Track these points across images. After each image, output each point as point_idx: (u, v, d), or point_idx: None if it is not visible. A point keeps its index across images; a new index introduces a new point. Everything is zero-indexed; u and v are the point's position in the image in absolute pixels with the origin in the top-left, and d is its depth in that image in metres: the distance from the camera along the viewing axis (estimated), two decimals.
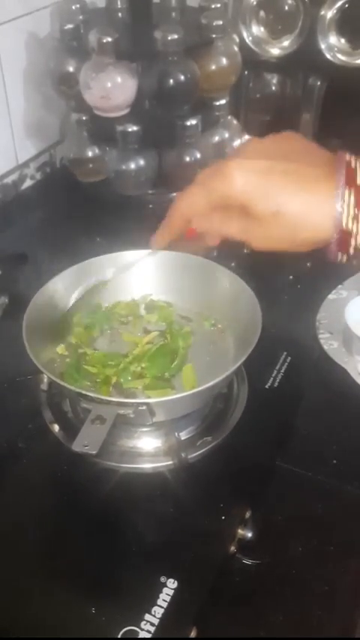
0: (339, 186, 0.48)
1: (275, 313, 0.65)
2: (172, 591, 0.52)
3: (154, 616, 0.51)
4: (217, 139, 1.05)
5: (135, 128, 0.94)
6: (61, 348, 0.66)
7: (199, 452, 0.63)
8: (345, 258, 0.50)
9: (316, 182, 0.49)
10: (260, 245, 0.52)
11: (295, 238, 0.50)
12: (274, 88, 1.16)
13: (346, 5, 1.02)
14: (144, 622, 0.50)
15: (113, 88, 0.91)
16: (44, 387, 0.67)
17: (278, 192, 0.49)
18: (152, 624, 0.50)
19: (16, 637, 0.51)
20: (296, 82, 1.11)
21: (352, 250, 0.49)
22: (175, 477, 0.61)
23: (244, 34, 1.09)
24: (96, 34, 0.88)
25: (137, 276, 0.73)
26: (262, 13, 1.09)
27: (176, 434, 0.62)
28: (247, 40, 1.10)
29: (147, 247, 0.72)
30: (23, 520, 0.59)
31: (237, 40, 1.03)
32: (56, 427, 0.65)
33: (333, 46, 1.05)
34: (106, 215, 0.99)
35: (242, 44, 1.06)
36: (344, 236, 0.48)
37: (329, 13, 1.03)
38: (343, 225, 0.48)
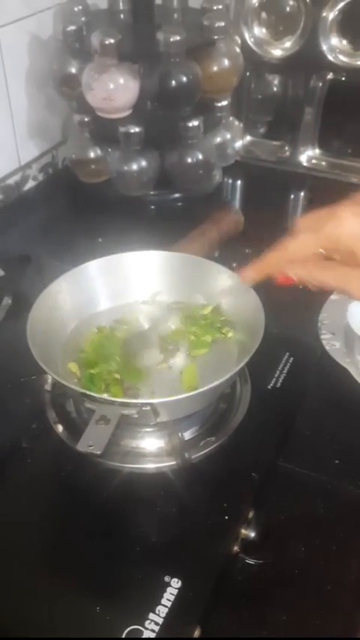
0: None
1: (277, 314, 0.65)
2: (176, 591, 0.52)
3: (158, 615, 0.51)
4: (219, 139, 1.06)
5: (137, 129, 0.94)
6: (73, 366, 0.66)
7: (203, 452, 0.63)
8: None
9: None
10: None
11: None
12: (275, 89, 1.16)
13: (348, 6, 1.02)
14: (148, 621, 0.50)
15: (115, 90, 0.92)
16: (48, 387, 0.68)
17: None
18: (156, 623, 0.50)
19: (20, 637, 0.51)
20: (298, 83, 1.11)
21: None
22: (179, 477, 0.61)
23: (246, 36, 1.10)
24: (98, 36, 0.89)
25: (139, 277, 0.73)
26: (263, 15, 1.09)
27: (179, 434, 0.62)
28: (248, 42, 1.10)
29: (148, 248, 0.73)
30: (27, 520, 0.59)
31: (239, 41, 1.03)
32: (60, 427, 0.65)
33: (335, 47, 1.06)
34: (108, 216, 1.00)
35: (244, 45, 1.07)
36: None
37: (331, 14, 1.03)
38: None
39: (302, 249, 0.55)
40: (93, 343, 0.67)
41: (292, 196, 1.14)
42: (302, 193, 1.14)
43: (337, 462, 0.65)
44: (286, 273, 0.56)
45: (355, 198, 0.54)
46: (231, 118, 1.08)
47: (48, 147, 1.12)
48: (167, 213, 1.04)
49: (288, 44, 1.09)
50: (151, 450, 0.63)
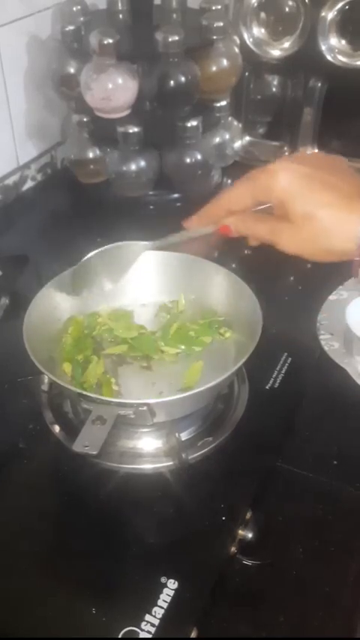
0: None
1: (276, 314, 0.65)
2: (173, 592, 0.52)
3: (154, 616, 0.51)
4: (217, 140, 1.05)
5: (136, 129, 0.94)
6: (67, 366, 0.66)
7: (200, 452, 0.63)
8: None
9: (350, 199, 0.52)
10: (287, 247, 0.55)
11: (321, 245, 0.53)
12: (274, 89, 1.16)
13: (347, 7, 1.02)
14: (144, 622, 0.50)
15: (114, 90, 0.91)
16: (45, 387, 0.68)
17: (315, 197, 0.53)
18: (153, 625, 0.50)
19: (16, 637, 0.51)
20: (297, 83, 1.11)
21: None
22: (176, 478, 0.61)
23: (245, 36, 1.10)
24: (97, 36, 0.89)
25: (137, 277, 0.73)
26: (262, 15, 1.09)
27: (177, 434, 0.62)
28: (247, 42, 1.10)
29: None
30: (24, 520, 0.59)
31: (238, 41, 1.03)
32: (57, 428, 0.65)
33: (334, 47, 1.06)
34: (106, 216, 1.00)
35: (243, 46, 1.07)
36: None
37: (330, 15, 1.03)
38: None
39: (238, 200, 0.57)
40: (71, 335, 0.68)
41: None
42: None
43: (335, 462, 0.65)
44: (225, 223, 0.58)
45: (290, 156, 0.56)
46: (230, 119, 1.08)
47: (47, 147, 1.12)
48: (166, 213, 1.04)
49: (287, 44, 1.09)
50: (148, 451, 0.63)
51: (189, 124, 0.96)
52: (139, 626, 0.50)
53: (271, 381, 0.71)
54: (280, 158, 0.57)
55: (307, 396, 0.71)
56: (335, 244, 0.53)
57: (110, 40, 0.89)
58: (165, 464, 0.62)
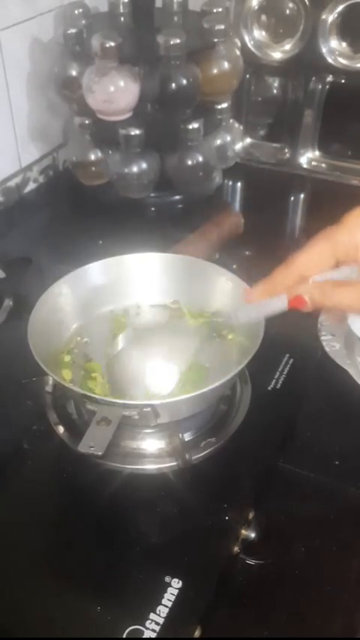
0: None
1: (277, 315, 0.66)
2: (177, 591, 0.53)
3: (158, 615, 0.51)
4: (219, 142, 1.06)
5: (137, 132, 0.94)
6: (67, 374, 0.66)
7: (203, 453, 0.63)
8: None
9: None
10: None
11: None
12: (275, 91, 1.17)
13: (347, 9, 1.03)
14: (149, 621, 0.51)
15: (116, 92, 0.92)
16: (49, 388, 0.68)
17: None
18: (157, 623, 0.50)
19: (21, 637, 0.51)
20: (298, 85, 1.11)
21: None
22: (179, 478, 0.62)
23: (246, 38, 1.10)
24: (99, 39, 0.89)
25: (139, 279, 0.73)
26: (263, 17, 1.10)
27: (180, 435, 0.62)
28: (248, 44, 1.10)
29: (148, 250, 0.73)
30: (28, 521, 0.60)
31: (239, 43, 1.03)
32: (61, 429, 0.65)
33: (334, 49, 1.06)
34: (108, 218, 1.00)
35: (244, 48, 1.07)
36: None
37: (330, 17, 1.03)
38: None
39: (316, 262, 0.49)
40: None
41: (292, 198, 1.14)
42: (302, 195, 1.15)
43: (337, 462, 0.65)
44: (298, 294, 0.49)
45: None
46: (231, 121, 1.08)
47: (49, 149, 1.12)
48: (167, 215, 1.04)
49: (288, 47, 1.09)
50: (151, 451, 0.64)
51: (190, 126, 0.96)
52: (143, 625, 0.50)
53: (273, 382, 0.72)
54: (353, 211, 0.48)
55: (308, 397, 0.72)
56: None
57: (112, 43, 0.89)
58: (168, 464, 0.62)
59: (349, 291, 0.47)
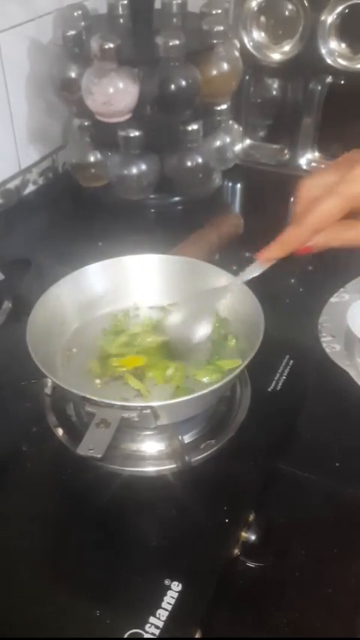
0: None
1: (277, 316, 0.65)
2: (177, 594, 0.52)
3: (158, 619, 0.51)
4: (218, 143, 1.06)
5: (137, 133, 0.94)
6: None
7: (203, 455, 0.63)
8: None
9: None
10: None
11: None
12: (275, 92, 1.17)
13: (347, 10, 1.03)
14: (148, 625, 0.50)
15: (115, 94, 0.92)
16: (48, 391, 0.68)
17: None
18: (157, 627, 0.50)
19: (20, 638, 0.51)
20: (297, 86, 1.11)
21: None
22: (179, 480, 0.61)
23: (245, 40, 1.10)
24: (98, 40, 0.89)
25: (139, 280, 0.73)
26: (262, 19, 1.10)
27: (180, 437, 0.62)
28: (247, 45, 1.10)
29: (148, 252, 0.73)
30: (27, 523, 0.59)
31: (238, 45, 1.04)
32: (60, 431, 0.65)
33: (333, 50, 1.06)
34: (108, 220, 1.00)
35: (243, 49, 1.07)
36: None
37: (330, 18, 1.04)
38: None
39: (329, 217, 0.50)
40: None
41: (291, 199, 1.14)
42: None
43: (337, 464, 0.65)
44: (314, 243, 0.51)
45: (348, 157, 0.52)
46: (230, 122, 1.08)
47: (48, 151, 1.12)
48: (167, 216, 1.04)
49: (287, 48, 1.10)
50: (151, 453, 0.63)
51: (190, 128, 0.97)
52: (143, 629, 0.50)
53: (273, 384, 0.71)
54: (336, 163, 0.51)
55: (308, 398, 0.72)
56: None
57: (111, 45, 0.89)
58: (168, 466, 0.62)
59: (354, 229, 0.50)
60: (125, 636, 0.50)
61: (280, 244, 0.54)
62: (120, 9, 1.01)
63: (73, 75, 0.98)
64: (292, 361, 0.74)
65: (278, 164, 1.18)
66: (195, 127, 0.97)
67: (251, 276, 0.60)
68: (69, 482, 0.62)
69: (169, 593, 0.52)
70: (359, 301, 0.77)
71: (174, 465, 0.61)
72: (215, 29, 0.95)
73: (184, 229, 0.91)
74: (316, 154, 1.15)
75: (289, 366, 0.74)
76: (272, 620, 0.53)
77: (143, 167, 0.98)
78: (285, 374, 0.73)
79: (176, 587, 0.53)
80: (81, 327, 0.71)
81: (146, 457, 0.63)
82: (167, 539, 0.58)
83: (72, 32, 0.95)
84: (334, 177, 0.51)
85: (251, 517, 0.59)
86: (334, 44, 1.06)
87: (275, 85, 1.16)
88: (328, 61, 1.06)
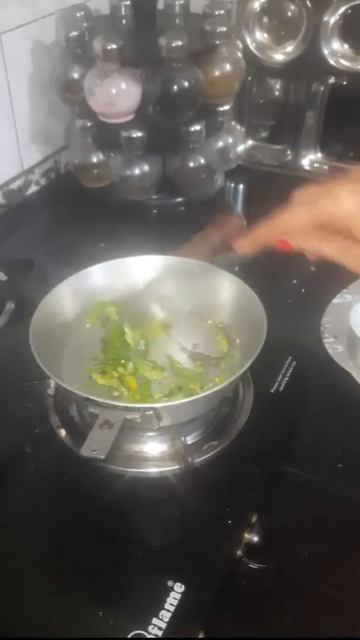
0: None
1: (280, 318, 0.65)
2: (180, 595, 0.52)
3: (161, 620, 0.51)
4: (221, 144, 1.06)
5: (139, 134, 0.94)
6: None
7: (206, 456, 0.63)
8: None
9: None
10: (358, 267, 0.54)
11: None
12: (277, 93, 1.17)
13: (349, 11, 1.03)
14: (151, 626, 0.50)
15: (118, 95, 0.92)
16: (51, 392, 0.68)
17: None
18: (160, 628, 0.50)
19: (23, 638, 0.51)
20: (300, 87, 1.11)
21: None
22: (182, 482, 0.61)
23: (248, 40, 1.10)
24: (100, 41, 0.89)
25: (142, 281, 0.73)
26: (265, 19, 1.10)
27: (182, 438, 0.62)
28: (250, 46, 1.10)
29: (150, 253, 0.73)
30: (30, 524, 0.60)
31: (240, 46, 1.04)
32: (63, 432, 0.65)
33: (336, 51, 1.06)
34: (110, 220, 1.00)
35: (246, 50, 1.07)
36: None
37: (332, 19, 1.03)
38: None
39: (297, 222, 0.55)
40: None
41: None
42: None
43: (340, 465, 0.65)
44: (285, 240, 0.56)
45: (351, 175, 0.55)
46: (233, 123, 1.08)
47: (50, 152, 1.12)
48: (170, 217, 1.04)
49: (289, 49, 1.09)
50: (154, 455, 0.63)
51: (192, 129, 0.96)
52: (146, 630, 0.50)
53: (275, 385, 0.71)
54: (337, 179, 0.54)
55: (311, 400, 0.72)
56: None
57: (114, 46, 0.89)
58: (171, 468, 0.62)
59: (329, 243, 0.54)
60: (128, 637, 0.50)
61: (253, 237, 0.59)
62: (122, 10, 1.01)
63: (75, 76, 0.98)
64: (294, 362, 0.74)
65: (281, 165, 1.18)
66: (197, 127, 0.97)
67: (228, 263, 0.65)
68: (72, 483, 0.62)
69: (172, 594, 0.52)
70: None
71: (177, 466, 0.61)
72: (218, 30, 0.95)
73: (187, 230, 0.90)
74: (319, 154, 1.15)
75: (291, 368, 0.73)
76: (275, 621, 0.54)
77: (146, 168, 0.98)
78: (288, 375, 0.73)
79: (179, 588, 0.53)
80: (84, 328, 0.71)
81: (149, 458, 0.63)
82: (170, 540, 0.58)
83: (75, 33, 0.95)
84: (323, 192, 0.54)
85: (254, 518, 0.59)
86: (336, 45, 1.06)
87: (278, 86, 1.16)
88: (331, 61, 1.06)
